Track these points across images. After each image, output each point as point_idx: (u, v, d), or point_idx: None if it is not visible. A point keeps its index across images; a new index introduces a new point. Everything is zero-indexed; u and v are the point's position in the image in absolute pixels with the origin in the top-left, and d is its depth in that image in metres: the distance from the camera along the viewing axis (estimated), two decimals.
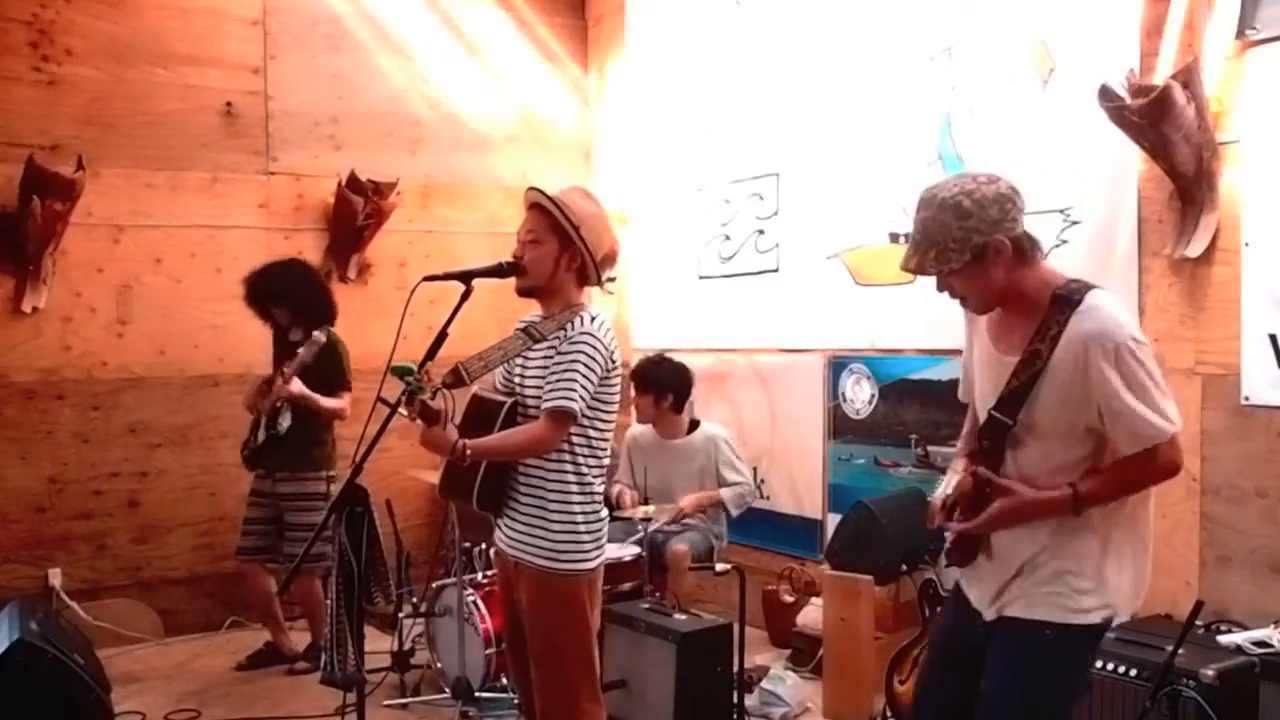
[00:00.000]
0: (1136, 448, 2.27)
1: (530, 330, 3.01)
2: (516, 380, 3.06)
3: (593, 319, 2.98)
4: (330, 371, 4.93)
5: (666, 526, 4.87)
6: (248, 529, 5.02)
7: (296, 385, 4.80)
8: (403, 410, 2.77)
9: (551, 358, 2.96)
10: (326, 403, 4.88)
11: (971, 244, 2.30)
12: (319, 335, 4.82)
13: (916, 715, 2.81)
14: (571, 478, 2.97)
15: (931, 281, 2.46)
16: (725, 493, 5.08)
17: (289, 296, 4.96)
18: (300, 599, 5.08)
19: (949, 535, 2.49)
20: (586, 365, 2.90)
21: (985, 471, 2.39)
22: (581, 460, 2.98)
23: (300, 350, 4.82)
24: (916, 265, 2.37)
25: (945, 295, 2.46)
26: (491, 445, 2.90)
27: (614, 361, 2.99)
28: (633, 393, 5.16)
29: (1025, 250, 2.37)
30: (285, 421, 4.86)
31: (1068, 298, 2.32)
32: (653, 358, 5.29)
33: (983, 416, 2.46)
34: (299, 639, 5.16)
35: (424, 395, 2.70)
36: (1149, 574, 2.45)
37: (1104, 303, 2.33)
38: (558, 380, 2.90)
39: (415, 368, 2.70)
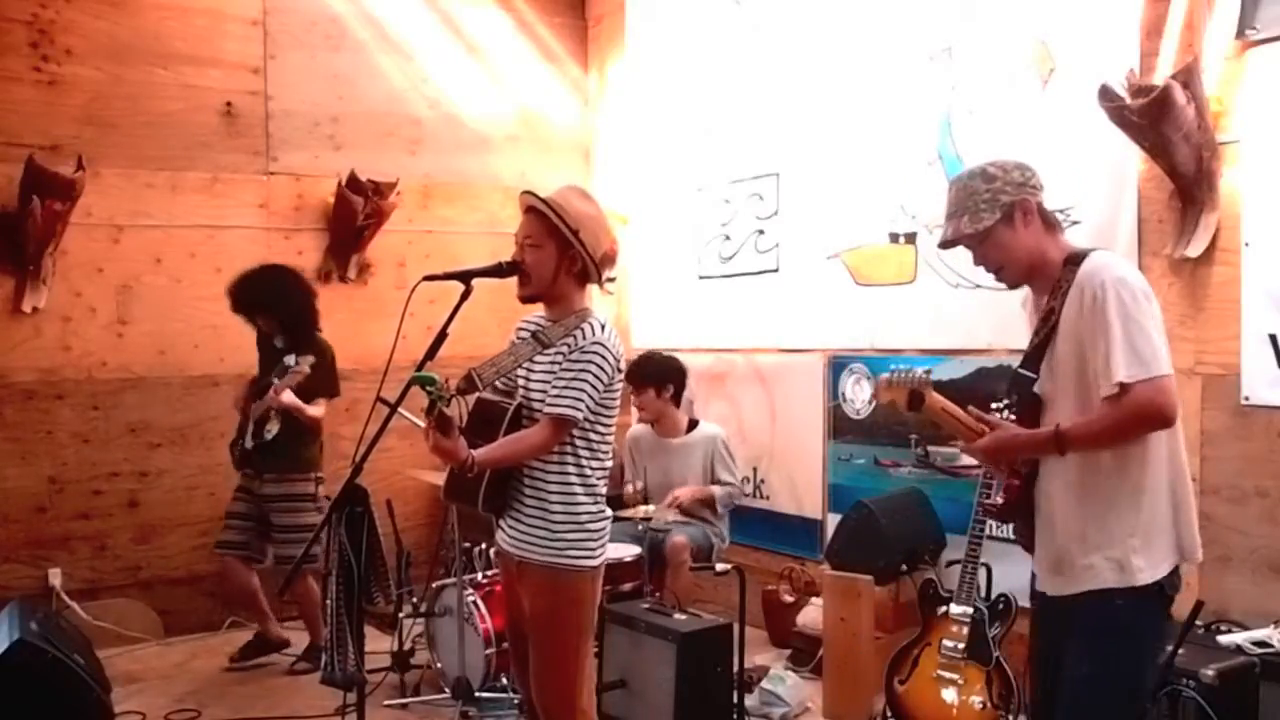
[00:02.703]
0: (1106, 386, 2.33)
1: (539, 336, 3.01)
2: (520, 383, 3.07)
3: (602, 327, 2.98)
4: (319, 381, 4.93)
5: (666, 523, 4.90)
6: (230, 523, 5.03)
7: (289, 397, 4.81)
8: (412, 417, 2.77)
9: (559, 363, 2.96)
10: (312, 412, 4.90)
11: (1000, 203, 2.48)
12: (305, 360, 4.80)
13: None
14: (575, 478, 2.97)
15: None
16: (716, 490, 5.18)
17: (276, 308, 4.95)
18: (297, 599, 5.08)
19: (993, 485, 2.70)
20: (596, 376, 2.92)
21: (975, 410, 2.52)
22: (584, 460, 2.99)
23: (292, 367, 4.81)
24: (952, 233, 2.55)
25: (983, 270, 2.60)
26: (496, 456, 2.91)
27: (620, 368, 3.01)
28: (632, 395, 5.18)
29: (1050, 218, 2.55)
30: (274, 428, 4.89)
31: (1075, 256, 2.48)
32: (641, 355, 5.38)
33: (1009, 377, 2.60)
34: (298, 639, 5.17)
35: (443, 404, 2.70)
36: (1190, 516, 2.50)
37: (1105, 254, 2.50)
38: (566, 387, 2.90)
39: (437, 378, 2.69)
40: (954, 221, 2.54)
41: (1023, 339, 2.68)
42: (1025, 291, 2.69)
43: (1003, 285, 2.66)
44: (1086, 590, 2.46)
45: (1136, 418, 2.33)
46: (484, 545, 4.60)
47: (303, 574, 4.85)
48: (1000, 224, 2.48)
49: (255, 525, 5.00)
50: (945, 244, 2.60)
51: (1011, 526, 2.72)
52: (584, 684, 3.06)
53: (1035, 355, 2.51)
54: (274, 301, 4.96)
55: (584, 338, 2.95)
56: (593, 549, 3.00)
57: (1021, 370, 2.53)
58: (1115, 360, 2.31)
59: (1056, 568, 2.53)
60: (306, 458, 4.98)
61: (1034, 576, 2.68)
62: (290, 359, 4.88)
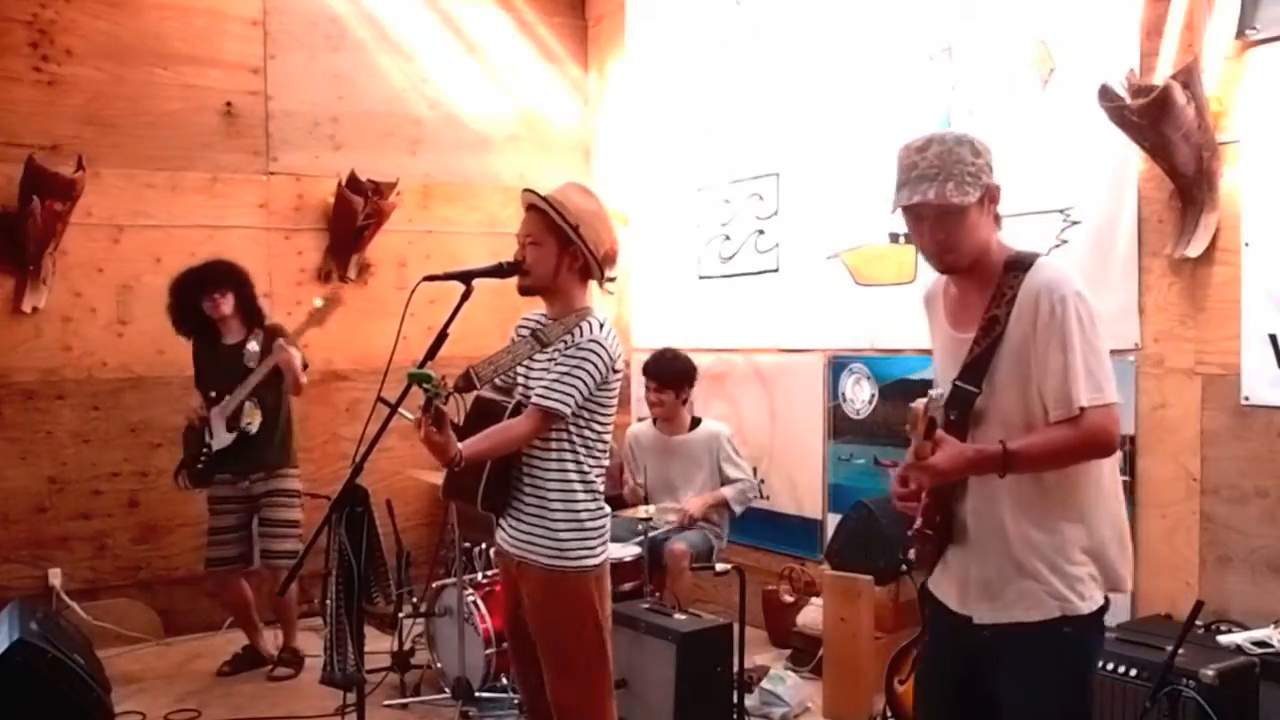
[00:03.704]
0: (1060, 408, 2.23)
1: (538, 335, 3.01)
2: (520, 381, 3.06)
3: (601, 325, 2.98)
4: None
5: (667, 523, 4.87)
6: (220, 539, 4.94)
7: (297, 354, 4.70)
8: (409, 414, 2.78)
9: (554, 359, 2.96)
10: (304, 378, 4.84)
11: (982, 182, 2.30)
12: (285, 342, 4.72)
13: None
14: (574, 476, 2.97)
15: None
16: (728, 491, 5.07)
17: (240, 285, 4.89)
18: (271, 602, 5.08)
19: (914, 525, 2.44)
20: (589, 374, 2.91)
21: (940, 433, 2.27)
22: (583, 458, 2.99)
23: (276, 346, 4.69)
24: (936, 194, 2.26)
25: (922, 240, 2.37)
26: (482, 448, 2.89)
27: (615, 368, 3.00)
28: (650, 391, 5.15)
29: (997, 213, 2.40)
30: (256, 420, 4.84)
31: (1019, 261, 2.33)
32: (665, 352, 5.27)
33: (947, 390, 2.37)
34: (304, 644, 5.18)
35: (440, 401, 2.70)
36: (1129, 544, 2.41)
37: (1055, 263, 2.36)
38: (556, 381, 2.90)
39: (434, 375, 2.69)
40: (936, 184, 2.26)
41: None
42: (934, 286, 2.54)
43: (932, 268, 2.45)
44: (1032, 620, 2.32)
45: (1088, 443, 2.24)
46: (484, 545, 4.60)
47: (276, 572, 4.84)
48: (976, 204, 2.29)
49: (247, 533, 4.93)
50: (926, 199, 2.28)
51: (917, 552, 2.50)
52: (600, 682, 3.02)
53: (976, 367, 2.31)
54: (240, 277, 4.90)
55: (581, 335, 2.95)
56: (593, 548, 2.99)
57: (961, 384, 2.33)
58: (1077, 384, 2.21)
59: (987, 592, 2.36)
60: (294, 449, 5.01)
61: (931, 599, 2.52)
62: (253, 344, 4.82)
